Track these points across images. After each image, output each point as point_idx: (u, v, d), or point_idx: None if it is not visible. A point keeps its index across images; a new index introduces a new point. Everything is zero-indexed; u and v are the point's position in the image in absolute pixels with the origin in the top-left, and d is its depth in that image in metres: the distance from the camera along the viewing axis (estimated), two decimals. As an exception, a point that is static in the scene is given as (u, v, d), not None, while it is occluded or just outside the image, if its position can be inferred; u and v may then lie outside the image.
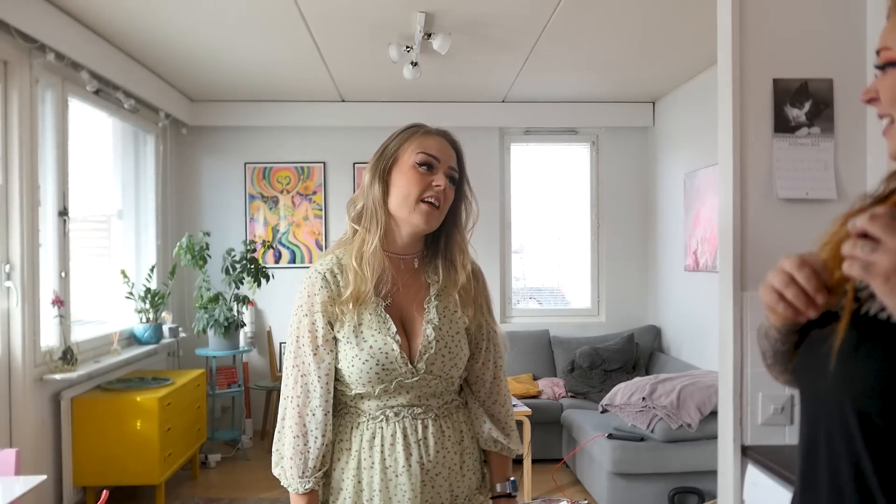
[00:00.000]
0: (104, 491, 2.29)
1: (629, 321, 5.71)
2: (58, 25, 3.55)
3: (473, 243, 1.63)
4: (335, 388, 1.52)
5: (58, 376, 3.58)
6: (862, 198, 1.00)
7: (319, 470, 1.47)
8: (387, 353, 1.45)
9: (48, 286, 3.69)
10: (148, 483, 3.84)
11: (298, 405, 1.48)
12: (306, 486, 1.45)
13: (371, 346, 1.46)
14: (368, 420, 1.49)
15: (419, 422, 1.49)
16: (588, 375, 5.07)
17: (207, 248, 4.84)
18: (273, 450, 1.52)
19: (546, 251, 5.96)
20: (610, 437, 3.86)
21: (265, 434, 5.33)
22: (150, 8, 3.54)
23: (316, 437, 1.46)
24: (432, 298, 1.54)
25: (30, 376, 3.44)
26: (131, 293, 4.59)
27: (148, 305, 4.64)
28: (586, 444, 4.07)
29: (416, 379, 1.47)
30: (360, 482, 1.47)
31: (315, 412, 1.47)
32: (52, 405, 3.70)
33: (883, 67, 0.91)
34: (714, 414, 3.65)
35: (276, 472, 1.50)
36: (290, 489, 1.47)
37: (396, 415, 1.48)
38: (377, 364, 1.45)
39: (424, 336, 1.49)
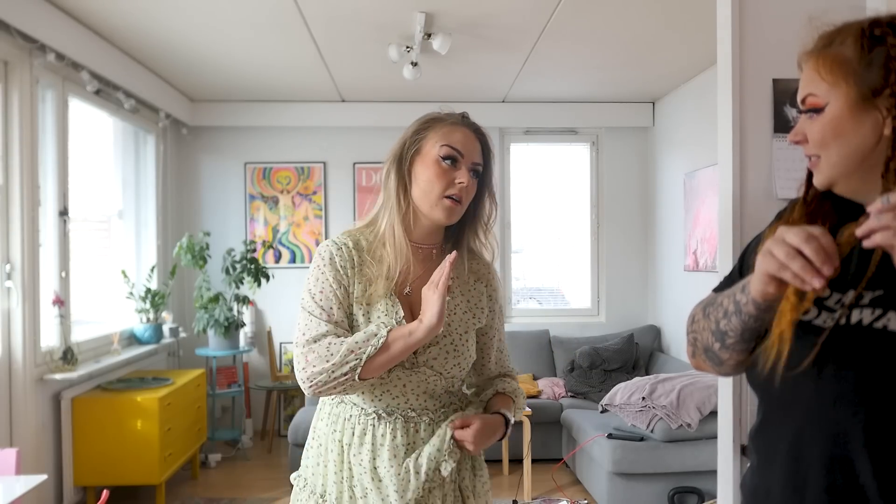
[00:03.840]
0: (104, 491, 2.29)
1: (629, 321, 5.71)
2: (58, 25, 3.55)
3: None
4: None
5: (58, 376, 3.58)
6: (792, 204, 1.09)
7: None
8: None
9: (48, 286, 3.69)
10: (148, 483, 3.84)
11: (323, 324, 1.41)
12: (381, 333, 1.37)
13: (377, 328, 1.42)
14: (361, 415, 1.45)
15: (411, 425, 1.45)
16: (588, 375, 5.07)
17: (207, 248, 4.84)
18: (303, 369, 1.39)
19: (546, 251, 5.95)
20: (610, 436, 3.87)
21: (265, 434, 5.33)
22: (151, 8, 3.54)
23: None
24: None
25: (30, 376, 3.44)
26: (131, 293, 4.59)
27: (148, 305, 4.64)
28: (586, 444, 4.07)
29: (413, 370, 1.43)
30: (352, 476, 1.45)
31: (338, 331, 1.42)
32: (53, 405, 3.70)
33: (808, 112, 0.99)
34: (714, 414, 3.65)
35: (325, 372, 1.36)
36: (363, 358, 1.36)
37: (389, 414, 1.44)
38: None
39: None
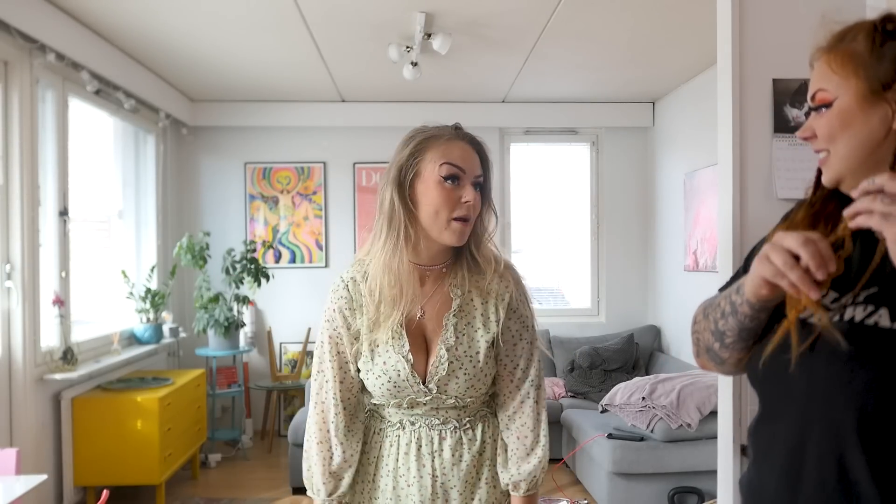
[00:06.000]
0: (104, 491, 2.29)
1: (629, 321, 5.71)
2: (58, 25, 3.55)
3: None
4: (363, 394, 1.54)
5: (58, 376, 3.58)
6: (799, 206, 1.08)
7: (340, 479, 1.46)
8: (399, 371, 1.41)
9: (48, 286, 3.69)
10: (148, 483, 3.84)
11: (322, 411, 1.48)
12: (326, 496, 1.46)
13: (385, 363, 1.42)
14: (388, 426, 1.49)
15: (436, 432, 1.45)
16: (588, 375, 5.07)
17: (207, 248, 4.85)
18: (303, 460, 1.51)
19: (546, 251, 5.95)
20: (610, 437, 3.87)
21: (265, 434, 5.33)
22: (151, 8, 3.54)
23: (336, 446, 1.46)
24: (451, 315, 1.44)
25: (30, 376, 3.44)
26: (132, 293, 4.59)
27: (148, 305, 4.64)
28: (586, 444, 4.07)
29: (429, 398, 1.43)
30: (377, 487, 1.48)
31: (335, 420, 1.47)
32: (53, 405, 3.70)
33: (818, 108, 1.00)
34: (714, 414, 3.65)
35: (305, 482, 1.49)
36: (315, 497, 1.47)
37: (413, 424, 1.46)
38: (389, 381, 1.42)
39: (437, 357, 1.42)
